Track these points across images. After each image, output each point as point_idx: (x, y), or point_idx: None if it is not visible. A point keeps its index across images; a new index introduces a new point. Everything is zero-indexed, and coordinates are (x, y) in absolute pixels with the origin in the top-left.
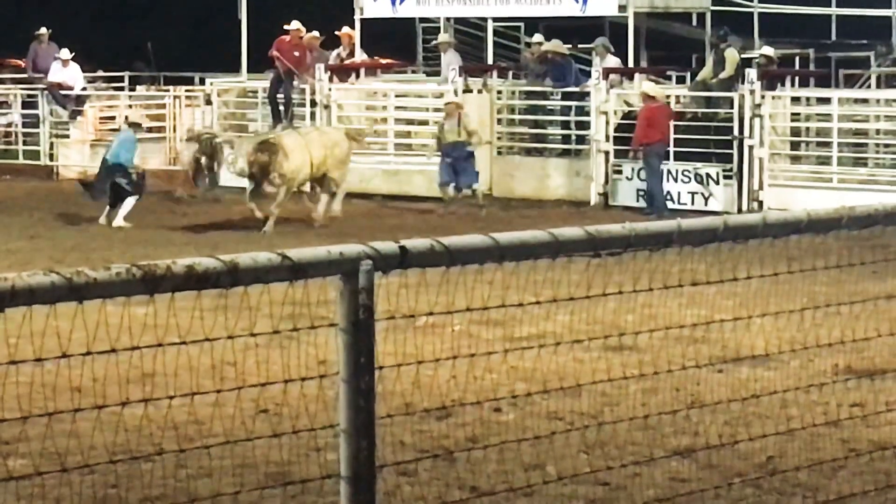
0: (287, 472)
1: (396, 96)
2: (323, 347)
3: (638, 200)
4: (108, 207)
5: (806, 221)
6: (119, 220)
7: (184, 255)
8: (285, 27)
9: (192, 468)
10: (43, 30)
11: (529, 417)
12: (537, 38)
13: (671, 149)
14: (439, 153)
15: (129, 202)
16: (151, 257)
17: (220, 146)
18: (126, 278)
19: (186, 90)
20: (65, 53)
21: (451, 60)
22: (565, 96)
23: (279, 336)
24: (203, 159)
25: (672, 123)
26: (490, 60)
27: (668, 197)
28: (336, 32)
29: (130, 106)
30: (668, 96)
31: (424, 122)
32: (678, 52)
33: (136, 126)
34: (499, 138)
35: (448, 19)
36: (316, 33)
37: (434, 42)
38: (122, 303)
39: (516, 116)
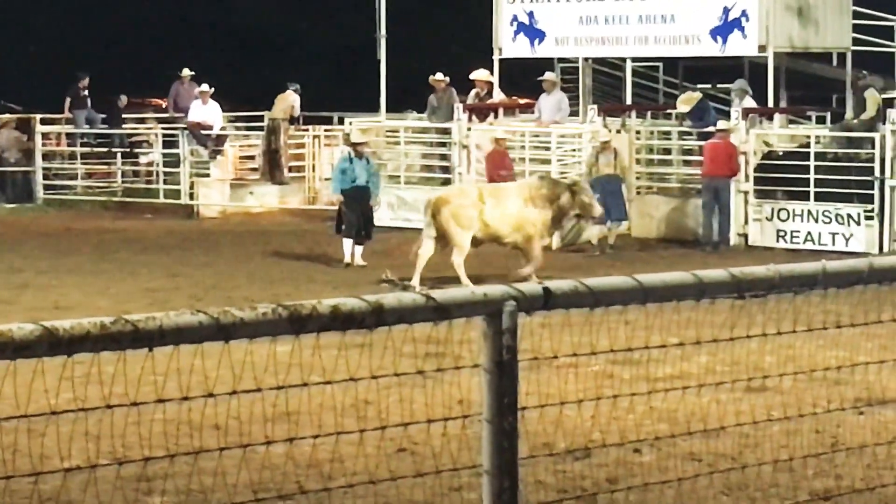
0: None
1: (533, 136)
2: (461, 387)
3: (778, 241)
4: (352, 242)
5: None
6: (358, 258)
7: (324, 295)
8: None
9: None
10: (186, 71)
11: (669, 458)
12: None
13: (811, 189)
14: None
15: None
16: (292, 296)
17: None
18: (272, 318)
19: (325, 130)
20: (204, 87)
21: (553, 102)
22: (703, 136)
23: (417, 375)
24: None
25: (734, 159)
26: (629, 100)
27: (718, 235)
28: (470, 77)
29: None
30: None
31: (561, 161)
32: (818, 92)
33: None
34: (637, 178)
35: (586, 59)
36: (440, 75)
37: (539, 79)
38: (265, 342)
39: (655, 156)
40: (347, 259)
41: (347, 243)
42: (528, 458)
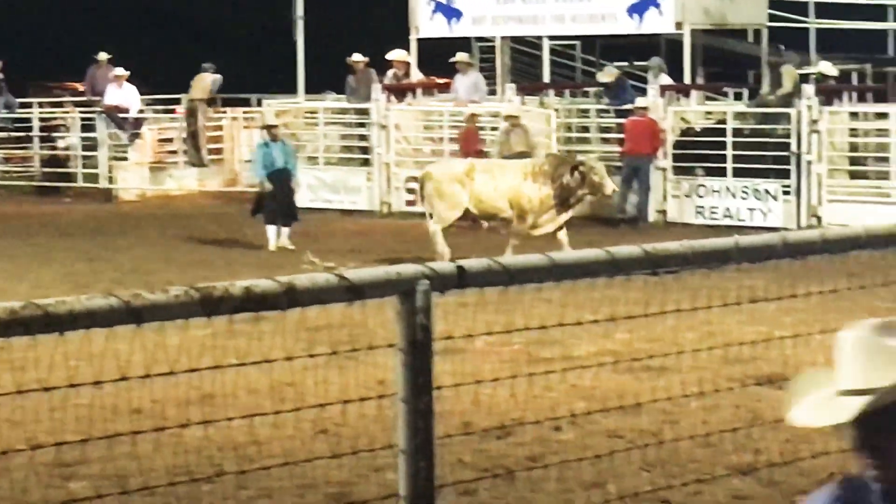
0: (347, 493)
1: (451, 116)
2: (382, 367)
3: (697, 217)
4: (276, 228)
5: (864, 237)
6: (286, 240)
7: (243, 277)
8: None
9: (252, 489)
10: (102, 54)
11: (589, 436)
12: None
13: (729, 165)
14: None
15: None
16: (211, 279)
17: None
18: (184, 300)
19: (244, 112)
20: (119, 71)
21: (469, 81)
22: (621, 114)
23: (339, 356)
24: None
25: (658, 136)
26: (547, 79)
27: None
28: (387, 57)
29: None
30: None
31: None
32: (734, 68)
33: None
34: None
35: (504, 38)
36: (358, 56)
37: (451, 60)
38: (180, 325)
39: (573, 134)
40: (272, 246)
41: (271, 230)
42: (448, 438)
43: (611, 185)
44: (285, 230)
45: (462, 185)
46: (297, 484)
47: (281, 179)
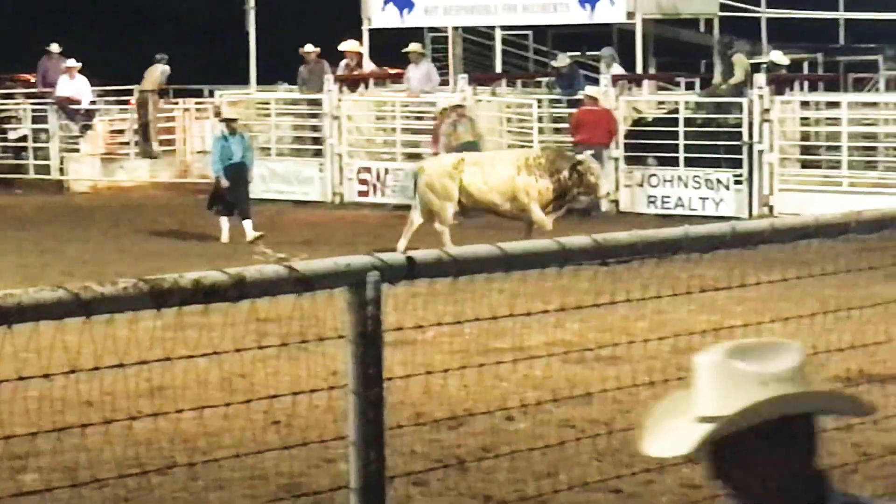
0: (299, 484)
1: (403, 106)
2: (333, 358)
3: (649, 207)
4: (229, 220)
5: (814, 226)
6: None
7: (195, 269)
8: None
9: (204, 480)
10: (54, 46)
11: (542, 426)
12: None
13: (681, 155)
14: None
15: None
16: (164, 270)
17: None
18: (133, 293)
19: (196, 102)
20: (71, 62)
21: (421, 72)
22: (572, 103)
23: (291, 348)
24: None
25: (614, 123)
26: (499, 69)
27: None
28: (339, 48)
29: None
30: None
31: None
32: (686, 58)
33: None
34: (509, 146)
35: (456, 28)
36: (310, 47)
37: (404, 51)
38: (130, 317)
39: (527, 125)
40: (225, 238)
41: (224, 222)
42: (399, 429)
43: (606, 187)
44: (247, 223)
45: (452, 179)
46: (249, 475)
47: (237, 173)
